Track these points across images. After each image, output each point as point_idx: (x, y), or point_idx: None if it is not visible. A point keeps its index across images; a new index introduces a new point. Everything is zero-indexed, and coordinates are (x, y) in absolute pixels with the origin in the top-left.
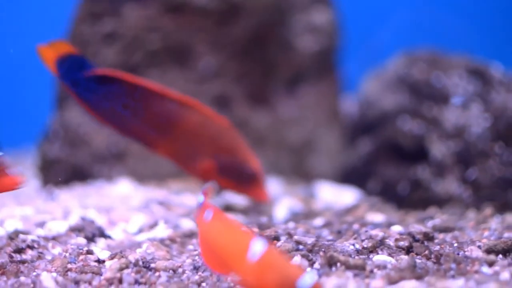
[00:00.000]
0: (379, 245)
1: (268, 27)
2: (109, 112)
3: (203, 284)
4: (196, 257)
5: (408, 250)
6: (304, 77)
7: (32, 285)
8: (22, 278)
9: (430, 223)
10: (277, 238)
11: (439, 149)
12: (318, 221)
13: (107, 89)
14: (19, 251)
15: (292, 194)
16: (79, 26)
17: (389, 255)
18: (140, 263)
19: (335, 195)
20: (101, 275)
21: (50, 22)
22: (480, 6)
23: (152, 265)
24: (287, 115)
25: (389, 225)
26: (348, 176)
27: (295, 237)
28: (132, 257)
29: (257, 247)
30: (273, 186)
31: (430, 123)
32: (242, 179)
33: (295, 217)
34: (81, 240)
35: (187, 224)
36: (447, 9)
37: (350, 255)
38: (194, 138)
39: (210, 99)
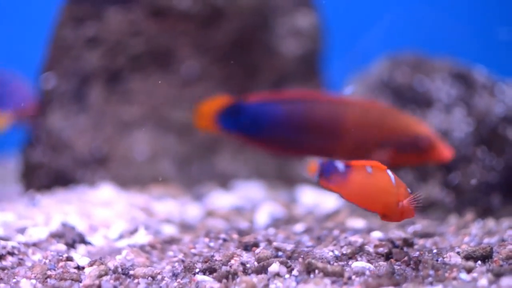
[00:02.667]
0: (358, 252)
1: (251, 31)
2: (279, 139)
3: None
4: (176, 264)
5: (387, 257)
6: (288, 81)
7: None
8: (2, 285)
9: (410, 229)
10: (256, 245)
11: None
12: (299, 227)
13: (268, 117)
14: None
15: (274, 199)
16: (62, 30)
17: (368, 261)
18: (119, 270)
19: (317, 200)
20: (80, 282)
21: (33, 26)
22: (466, 9)
23: (131, 272)
24: None
25: (369, 231)
26: None
27: (274, 243)
28: (111, 264)
29: None
30: (255, 190)
31: None
32: (420, 149)
33: (276, 222)
34: (61, 247)
35: (168, 230)
36: (432, 12)
37: (328, 262)
38: (364, 131)
39: (193, 103)
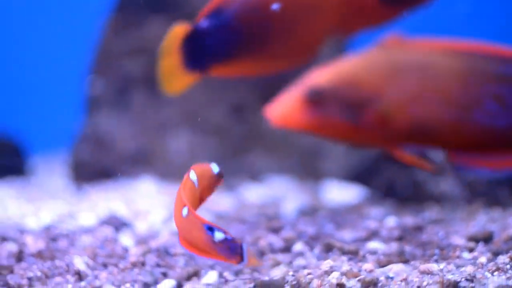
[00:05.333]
0: (373, 235)
1: None
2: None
3: (216, 267)
4: None
5: (399, 239)
6: None
7: (66, 268)
8: (57, 262)
9: (423, 216)
10: (282, 228)
11: (437, 151)
12: (322, 215)
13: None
14: (54, 240)
15: (301, 192)
16: (105, 39)
17: (381, 243)
18: (161, 249)
19: (340, 193)
20: (126, 259)
21: (77, 32)
22: None
23: (172, 250)
24: None
25: (385, 217)
26: (355, 178)
27: (299, 227)
28: (154, 244)
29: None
30: (284, 184)
31: None
32: None
33: (302, 211)
34: (109, 231)
35: (205, 217)
36: None
37: (346, 243)
38: None
39: (227, 107)
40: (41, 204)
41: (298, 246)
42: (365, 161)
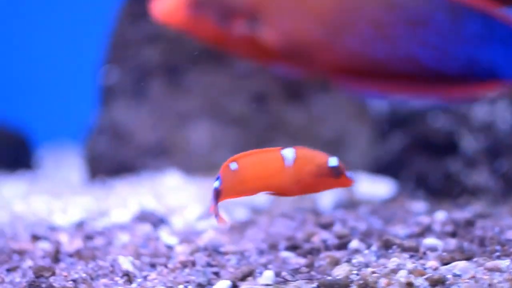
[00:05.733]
0: (426, 230)
1: None
2: None
3: (269, 266)
4: (259, 242)
5: (453, 235)
6: None
7: (111, 268)
8: (100, 262)
9: (469, 210)
10: (332, 224)
11: (469, 143)
12: (364, 210)
13: None
14: (90, 238)
15: None
16: (122, 27)
17: (437, 238)
18: (209, 247)
19: (372, 187)
20: (173, 258)
21: (92, 22)
22: None
23: (222, 249)
24: (321, 110)
25: (432, 212)
26: (381, 170)
27: (349, 223)
28: (200, 242)
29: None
30: None
31: (460, 119)
32: None
33: (340, 205)
34: (147, 228)
35: (241, 213)
36: None
37: (402, 239)
38: None
39: (248, 96)
40: (65, 199)
41: (354, 243)
42: (391, 152)
